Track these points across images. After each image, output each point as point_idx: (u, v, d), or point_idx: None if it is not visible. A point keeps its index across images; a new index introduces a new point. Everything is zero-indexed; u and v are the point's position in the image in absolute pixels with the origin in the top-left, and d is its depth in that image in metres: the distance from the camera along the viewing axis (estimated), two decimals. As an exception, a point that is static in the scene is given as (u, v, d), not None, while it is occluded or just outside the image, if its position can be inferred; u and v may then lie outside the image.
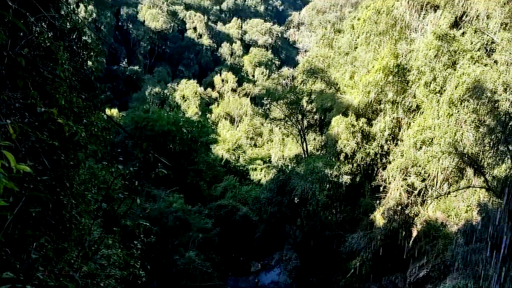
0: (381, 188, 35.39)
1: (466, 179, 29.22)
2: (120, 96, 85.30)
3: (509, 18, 30.18)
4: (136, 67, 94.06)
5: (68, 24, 11.06)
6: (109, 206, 7.67)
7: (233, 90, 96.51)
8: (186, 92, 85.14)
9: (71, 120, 8.09)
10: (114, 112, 66.90)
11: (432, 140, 30.74)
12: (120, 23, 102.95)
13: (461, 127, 28.80)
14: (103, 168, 10.45)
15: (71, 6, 10.32)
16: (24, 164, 2.80)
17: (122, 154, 36.76)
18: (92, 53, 10.99)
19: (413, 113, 35.97)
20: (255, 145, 77.00)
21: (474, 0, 32.15)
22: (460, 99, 28.33)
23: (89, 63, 12.93)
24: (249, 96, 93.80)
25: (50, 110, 6.46)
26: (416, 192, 31.99)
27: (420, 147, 31.70)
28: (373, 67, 39.40)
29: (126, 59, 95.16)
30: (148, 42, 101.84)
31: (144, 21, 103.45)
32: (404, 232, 30.05)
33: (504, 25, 30.53)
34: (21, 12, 7.19)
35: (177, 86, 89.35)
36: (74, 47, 10.93)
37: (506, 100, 26.53)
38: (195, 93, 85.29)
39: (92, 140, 9.36)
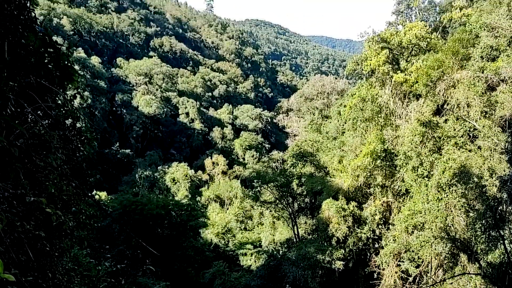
0: (375, 275, 34.32)
1: (461, 265, 28.61)
2: (110, 179, 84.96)
3: (488, 107, 31.68)
4: (128, 151, 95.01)
5: (63, 111, 11.32)
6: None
7: (224, 173, 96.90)
8: (177, 175, 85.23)
9: (60, 208, 7.99)
10: (103, 195, 66.06)
11: (423, 224, 30.54)
12: (114, 108, 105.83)
13: (451, 211, 28.82)
14: (87, 255, 10.09)
15: (68, 96, 10.66)
16: (8, 273, 2.74)
17: (108, 239, 35.69)
18: (85, 141, 11.16)
19: (403, 197, 36.14)
20: (245, 228, 75.48)
21: (454, 90, 33.94)
22: (448, 183, 28.69)
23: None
24: (240, 179, 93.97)
25: (39, 199, 6.42)
26: (411, 279, 31.08)
27: (412, 232, 31.37)
28: (361, 151, 40.25)
29: (118, 143, 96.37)
30: (141, 126, 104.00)
31: (138, 106, 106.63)
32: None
33: (484, 113, 31.97)
34: (19, 102, 7.42)
35: (168, 169, 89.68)
36: (68, 134, 11.10)
37: (493, 185, 26.91)
38: (186, 176, 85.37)
39: (79, 228, 9.18)
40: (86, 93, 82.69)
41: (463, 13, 53.24)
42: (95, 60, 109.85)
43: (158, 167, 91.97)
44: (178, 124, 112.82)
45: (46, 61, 6.97)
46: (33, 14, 8.39)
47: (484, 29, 37.68)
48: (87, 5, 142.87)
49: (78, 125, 11.67)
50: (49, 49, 6.60)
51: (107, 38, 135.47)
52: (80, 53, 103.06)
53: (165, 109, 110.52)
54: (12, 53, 6.73)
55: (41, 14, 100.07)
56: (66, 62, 6.92)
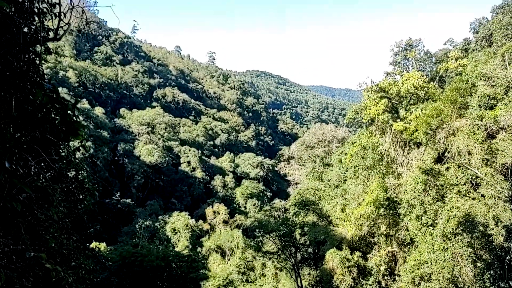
0: (383, 329, 32.98)
1: (471, 318, 27.51)
2: (110, 229, 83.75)
3: (489, 155, 31.75)
4: (129, 200, 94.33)
5: (66, 163, 11.37)
6: None
7: (225, 222, 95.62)
8: (177, 225, 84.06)
9: (60, 263, 7.86)
10: (102, 246, 64.83)
11: (430, 275, 29.70)
12: (116, 158, 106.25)
13: (458, 261, 28.12)
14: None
15: (72, 148, 10.77)
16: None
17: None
18: (86, 193, 11.14)
19: (408, 246, 35.41)
20: (247, 280, 73.33)
21: (454, 138, 34.17)
22: (453, 232, 28.20)
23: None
24: (241, 228, 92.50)
25: (39, 254, 6.34)
26: (421, 334, 29.78)
27: (419, 283, 30.45)
28: (363, 200, 39.91)
29: (119, 192, 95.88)
30: (142, 176, 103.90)
31: (139, 155, 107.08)
32: None
33: (486, 161, 31.99)
34: (23, 155, 7.49)
35: (169, 218, 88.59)
36: (70, 187, 11.10)
37: (499, 235, 26.43)
38: (186, 226, 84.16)
39: (79, 283, 8.98)
40: (89, 143, 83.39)
41: (459, 63, 54.73)
42: (98, 110, 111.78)
43: (159, 217, 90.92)
44: (180, 173, 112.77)
45: (52, 116, 7.11)
46: (41, 70, 8.66)
47: (480, 79, 38.54)
48: (92, 58, 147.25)
49: (80, 176, 11.70)
50: (56, 105, 6.76)
51: (111, 89, 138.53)
52: (84, 104, 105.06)
53: (167, 158, 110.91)
54: (20, 109, 6.88)
55: (47, 67, 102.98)
56: (72, 118, 7.06)
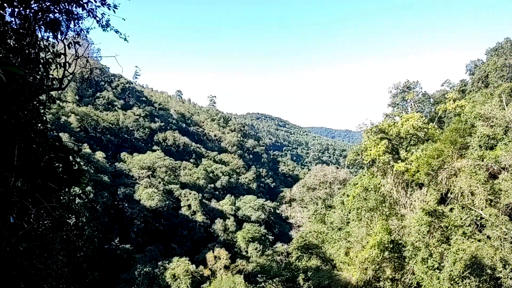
0: None
1: None
2: (109, 276, 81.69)
3: (492, 195, 31.52)
4: (128, 246, 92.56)
5: (65, 210, 11.27)
6: None
7: (226, 267, 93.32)
8: (177, 271, 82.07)
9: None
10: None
11: (440, 321, 28.70)
12: (116, 202, 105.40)
13: (468, 306, 27.25)
14: None
15: (72, 195, 10.73)
16: None
17: None
18: (86, 240, 10.97)
19: (415, 291, 34.40)
20: (250, 329, 70.81)
21: (456, 179, 34.06)
22: (460, 276, 27.51)
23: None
24: (243, 273, 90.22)
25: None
26: None
27: (429, 330, 29.36)
28: (367, 242, 39.21)
29: (118, 238, 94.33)
30: (142, 220, 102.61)
31: (140, 199, 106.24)
32: None
33: (489, 201, 31.71)
34: (24, 204, 7.43)
35: (169, 264, 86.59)
36: (70, 235, 10.95)
37: (508, 277, 25.76)
38: (187, 272, 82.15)
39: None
40: (89, 188, 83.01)
41: (457, 104, 55.45)
42: (99, 155, 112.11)
43: (159, 263, 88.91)
44: (180, 217, 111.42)
45: (55, 164, 7.11)
46: (45, 118, 8.77)
47: (479, 119, 38.91)
48: (94, 104, 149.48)
49: (80, 223, 11.56)
50: (59, 153, 6.78)
51: (112, 134, 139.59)
52: (85, 148, 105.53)
53: (167, 202, 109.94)
54: (23, 158, 6.90)
55: (50, 113, 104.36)
56: (74, 165, 7.07)
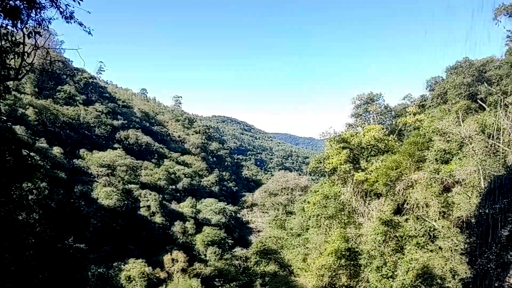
0: None
1: None
2: (61, 277, 78.67)
3: (445, 207, 32.75)
4: (83, 245, 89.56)
5: (16, 206, 10.81)
6: None
7: (183, 270, 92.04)
8: (133, 273, 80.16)
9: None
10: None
11: (390, 329, 29.41)
12: (72, 200, 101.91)
13: (418, 315, 28.08)
14: None
15: (24, 192, 10.28)
16: None
17: None
18: (39, 239, 10.55)
19: (368, 298, 35.13)
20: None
21: (412, 190, 35.17)
22: (412, 285, 28.33)
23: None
24: (200, 277, 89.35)
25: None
26: None
27: (380, 337, 30.03)
28: (325, 249, 39.77)
29: (72, 237, 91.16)
30: (98, 219, 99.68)
31: (97, 198, 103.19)
32: None
33: (442, 213, 32.93)
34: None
35: (124, 265, 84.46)
36: (19, 232, 10.49)
37: None
38: (142, 274, 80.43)
39: None
40: (44, 184, 79.84)
41: (417, 118, 57.43)
42: (57, 150, 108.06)
43: (114, 264, 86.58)
44: (138, 218, 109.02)
45: (6, 158, 6.77)
46: (-1, 109, 8.34)
47: (437, 134, 40.41)
48: (54, 97, 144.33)
49: (31, 220, 11.05)
50: (11, 146, 6.45)
51: (72, 129, 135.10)
52: (42, 143, 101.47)
53: (126, 202, 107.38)
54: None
55: (6, 104, 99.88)
56: (28, 160, 6.75)
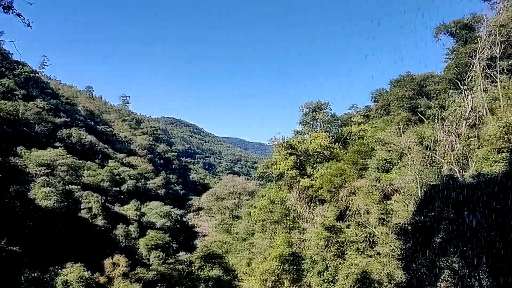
0: None
1: None
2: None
3: (384, 214, 34.11)
4: (16, 248, 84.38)
5: None
6: None
7: (125, 275, 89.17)
8: (70, 277, 76.50)
9: None
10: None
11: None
12: (6, 200, 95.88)
13: (355, 318, 28.94)
14: None
15: None
16: None
17: None
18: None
19: (310, 303, 35.77)
20: None
21: (355, 197, 36.35)
22: (351, 289, 29.20)
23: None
24: (142, 282, 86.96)
25: None
26: None
27: None
28: (269, 254, 40.09)
29: (5, 239, 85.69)
30: (35, 221, 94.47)
31: (34, 198, 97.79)
32: None
33: (382, 220, 34.28)
34: None
35: (61, 270, 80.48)
36: None
37: (392, 292, 27.87)
38: (81, 279, 77.00)
39: None
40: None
41: (361, 128, 59.51)
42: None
43: (49, 268, 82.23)
44: (78, 220, 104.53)
45: None
46: None
47: (379, 144, 42.07)
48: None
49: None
50: None
51: (9, 125, 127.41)
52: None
53: (66, 203, 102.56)
54: None
55: None
56: None
